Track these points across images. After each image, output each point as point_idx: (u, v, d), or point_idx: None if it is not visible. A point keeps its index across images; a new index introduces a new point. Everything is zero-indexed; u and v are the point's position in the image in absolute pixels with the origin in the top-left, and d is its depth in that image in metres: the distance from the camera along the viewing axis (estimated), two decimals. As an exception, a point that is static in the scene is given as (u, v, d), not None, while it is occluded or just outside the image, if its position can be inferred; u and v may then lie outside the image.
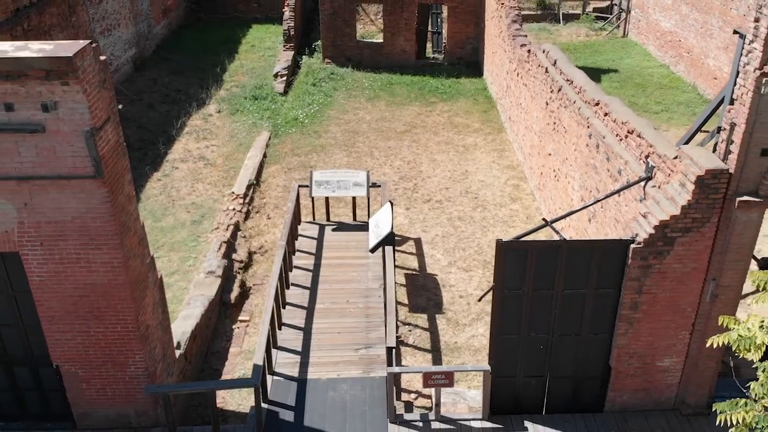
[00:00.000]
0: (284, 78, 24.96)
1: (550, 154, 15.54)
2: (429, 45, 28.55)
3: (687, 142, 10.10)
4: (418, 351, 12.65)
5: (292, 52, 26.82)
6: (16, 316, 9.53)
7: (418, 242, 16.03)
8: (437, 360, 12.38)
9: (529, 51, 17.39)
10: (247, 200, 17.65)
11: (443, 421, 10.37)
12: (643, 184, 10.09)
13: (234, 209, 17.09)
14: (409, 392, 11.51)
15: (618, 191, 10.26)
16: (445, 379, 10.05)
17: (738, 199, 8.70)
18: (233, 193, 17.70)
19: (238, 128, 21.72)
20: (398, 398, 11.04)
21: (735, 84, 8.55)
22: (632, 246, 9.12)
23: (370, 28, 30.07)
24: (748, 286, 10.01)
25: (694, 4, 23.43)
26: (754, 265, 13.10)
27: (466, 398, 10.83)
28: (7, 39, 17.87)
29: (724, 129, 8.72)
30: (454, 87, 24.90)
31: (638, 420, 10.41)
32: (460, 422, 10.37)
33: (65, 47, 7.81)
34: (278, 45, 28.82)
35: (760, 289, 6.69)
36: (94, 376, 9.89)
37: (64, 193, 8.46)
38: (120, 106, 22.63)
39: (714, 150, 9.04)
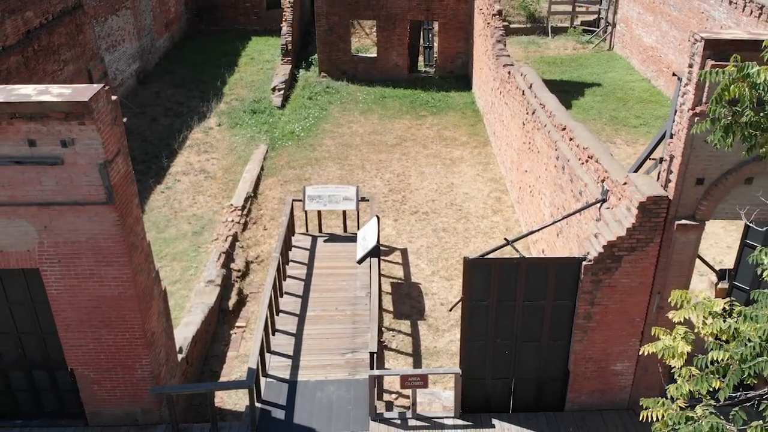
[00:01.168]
0: (282, 92, 26.08)
1: (526, 171, 16.66)
2: (421, 59, 29.65)
3: (637, 169, 11.21)
4: (400, 355, 13.77)
5: (290, 66, 27.92)
6: (35, 324, 10.66)
7: (404, 252, 17.14)
8: (417, 363, 13.50)
9: (509, 72, 18.50)
10: (245, 212, 18.77)
11: (419, 419, 11.49)
12: (599, 205, 11.21)
13: (232, 221, 18.21)
14: (391, 393, 12.64)
15: (576, 212, 11.38)
16: (420, 381, 11.18)
17: (677, 222, 9.82)
18: (232, 205, 18.81)
19: (237, 141, 22.86)
20: (380, 398, 12.15)
21: (673, 121, 9.67)
22: (584, 263, 10.24)
23: (365, 42, 31.18)
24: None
25: (673, 22, 24.53)
26: (714, 276, 14.22)
27: (441, 398, 11.96)
28: (19, 59, 19.05)
29: (665, 160, 9.84)
30: (444, 100, 26.02)
31: (595, 419, 11.52)
32: (435, 420, 11.50)
33: (81, 92, 8.93)
34: (276, 58, 29.93)
35: (678, 306, 7.78)
36: (104, 378, 11.02)
37: (79, 217, 9.59)
38: (124, 119, 23.80)
39: (657, 178, 10.16)
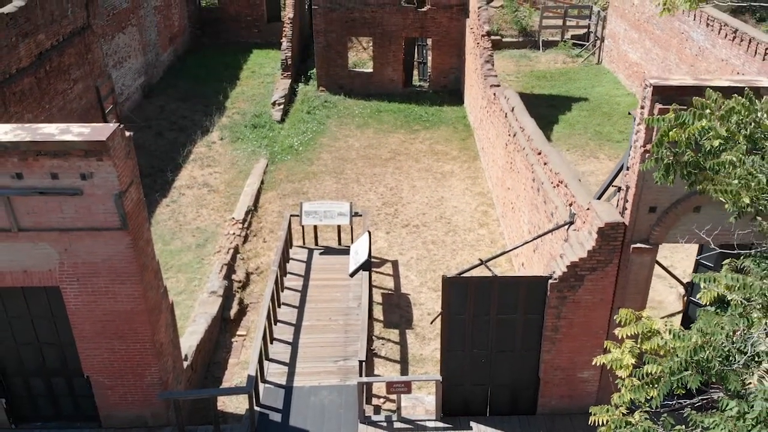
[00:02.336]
0: (281, 106, 27.19)
1: (509, 188, 17.77)
2: (416, 73, 30.74)
3: (600, 196, 12.29)
4: (389, 362, 14.88)
5: (289, 81, 29.02)
6: (55, 336, 11.79)
7: (395, 264, 18.24)
8: (405, 369, 14.61)
9: (494, 94, 19.60)
10: (245, 225, 19.88)
11: (404, 422, 12.60)
12: (567, 227, 12.31)
13: (234, 233, 19.32)
14: (379, 397, 13.75)
15: (546, 233, 12.49)
16: (404, 387, 12.30)
17: (633, 246, 10.92)
18: (233, 218, 19.93)
19: (239, 155, 23.97)
20: (368, 402, 13.25)
21: (629, 155, 10.76)
22: (550, 281, 11.34)
23: (362, 56, 32.27)
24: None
25: (656, 40, 25.62)
26: (682, 288, 15.32)
27: (424, 402, 13.06)
28: (32, 81, 20.17)
29: (622, 189, 10.94)
30: (437, 115, 27.11)
31: (564, 422, 12.62)
32: (418, 422, 12.61)
33: (99, 131, 10.05)
34: (276, 71, 30.99)
35: (623, 324, 8.86)
36: (117, 384, 12.14)
37: (96, 241, 10.71)
38: (131, 133, 24.98)
39: (616, 205, 11.25)
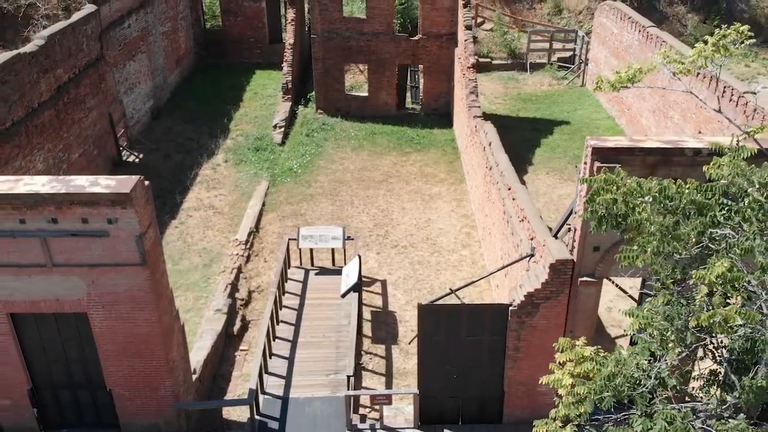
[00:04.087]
0: (282, 129, 28.98)
1: (486, 215, 19.53)
2: (409, 96, 32.53)
3: (556, 234, 14.03)
4: (375, 375, 16.66)
5: (290, 103, 30.80)
6: (81, 354, 13.59)
7: (384, 283, 20.01)
8: (389, 382, 16.38)
9: (476, 126, 21.37)
10: (248, 246, 21.66)
11: (386, 430, 14.39)
12: (528, 259, 14.08)
13: (237, 254, 21.11)
14: (365, 407, 15.52)
15: (510, 264, 14.26)
16: (385, 400, 14.09)
17: (580, 279, 12.68)
18: (237, 239, 21.72)
19: (242, 178, 25.77)
20: (356, 412, 15.03)
21: (576, 201, 12.52)
22: (511, 308, 13.10)
23: (359, 78, 34.03)
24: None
25: (631, 68, 27.31)
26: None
27: (404, 412, 14.84)
28: (52, 113, 21.99)
29: (572, 230, 12.70)
30: (428, 137, 28.88)
31: (527, 429, 14.29)
32: (398, 430, 14.40)
33: (124, 183, 11.82)
34: (278, 93, 32.69)
35: (561, 351, 10.60)
36: (135, 396, 13.93)
37: (119, 274, 12.49)
38: (141, 156, 26.82)
39: (567, 244, 13.01)
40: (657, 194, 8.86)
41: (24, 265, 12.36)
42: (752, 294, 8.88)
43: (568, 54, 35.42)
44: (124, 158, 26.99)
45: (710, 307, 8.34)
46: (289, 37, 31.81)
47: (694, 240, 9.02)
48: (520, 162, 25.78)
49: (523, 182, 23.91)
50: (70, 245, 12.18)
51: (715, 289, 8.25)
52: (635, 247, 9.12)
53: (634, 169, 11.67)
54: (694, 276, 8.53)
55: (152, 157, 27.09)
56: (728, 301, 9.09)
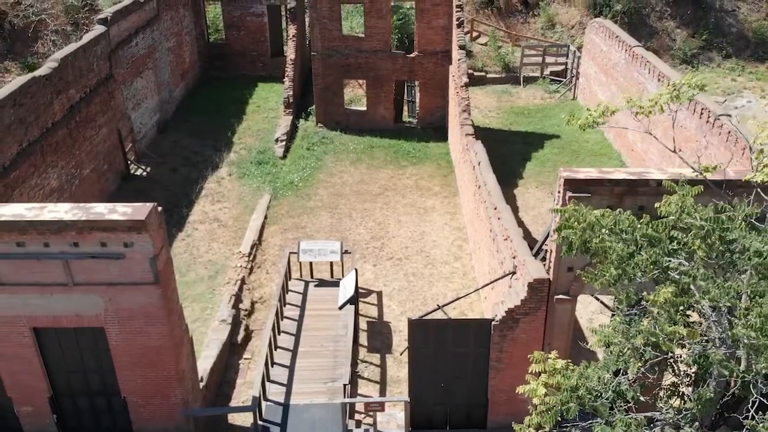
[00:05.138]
0: (283, 143, 30.14)
1: (476, 230, 20.68)
2: (406, 109, 33.69)
3: (536, 254, 15.18)
4: (370, 382, 17.82)
5: (291, 117, 31.97)
6: (98, 364, 14.77)
7: (379, 294, 21.17)
8: (384, 390, 17.54)
9: (467, 144, 22.52)
10: (251, 258, 22.83)
11: (379, 434, 15.57)
12: (510, 276, 15.23)
13: (241, 266, 22.28)
14: (361, 413, 16.68)
15: (493, 282, 15.41)
16: (379, 407, 15.25)
17: (556, 297, 13.83)
18: (240, 252, 22.89)
19: (245, 191, 26.94)
20: (351, 417, 16.19)
21: (552, 226, 13.66)
22: (493, 323, 14.26)
23: (358, 92, 35.17)
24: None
25: (619, 86, 28.49)
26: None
27: (396, 418, 16.00)
28: (65, 132, 23.16)
29: (548, 252, 13.86)
30: (423, 151, 30.02)
31: (509, 433, 15.50)
32: (390, 435, 15.57)
33: (139, 210, 12.98)
34: (279, 106, 33.81)
35: (536, 362, 11.72)
36: (148, 403, 15.11)
37: (134, 292, 13.67)
38: (149, 169, 28.01)
39: (545, 264, 14.16)
40: (612, 227, 10.01)
41: (47, 284, 13.53)
42: (704, 314, 10.06)
43: (560, 68, 36.53)
44: (132, 172, 28.18)
45: (656, 327, 9.50)
46: (290, 53, 32.95)
47: (650, 266, 10.19)
48: (511, 176, 27.00)
49: (513, 196, 25.28)
50: (89, 266, 13.34)
51: (660, 312, 9.40)
52: (595, 272, 10.25)
53: (603, 198, 12.86)
54: (644, 299, 9.72)
55: (159, 171, 28.26)
56: (689, 320, 10.27)
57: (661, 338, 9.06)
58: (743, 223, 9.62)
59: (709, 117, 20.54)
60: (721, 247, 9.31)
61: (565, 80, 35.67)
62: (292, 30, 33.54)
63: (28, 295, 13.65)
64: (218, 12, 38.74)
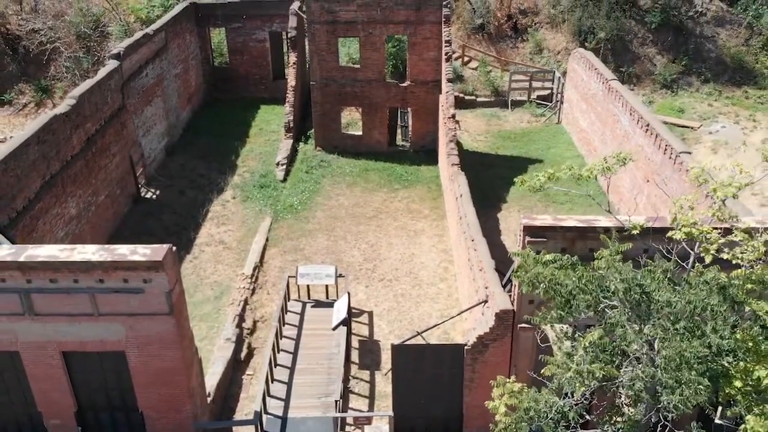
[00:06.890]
0: (284, 166, 32.14)
1: (459, 255, 22.67)
2: (399, 133, 35.71)
3: (505, 284, 17.15)
4: (361, 397, 19.81)
5: (291, 141, 33.98)
6: (119, 383, 16.79)
7: (371, 314, 23.16)
8: (372, 404, 19.53)
9: (452, 174, 24.50)
10: (253, 279, 24.83)
11: (366, 444, 17.57)
12: (483, 305, 17.22)
13: (244, 287, 24.28)
14: (352, 425, 18.68)
15: (468, 309, 17.40)
16: (366, 421, 17.26)
17: (519, 325, 15.82)
18: (243, 273, 24.89)
19: (248, 214, 28.94)
20: (342, 430, 18.18)
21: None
22: (465, 347, 16.25)
23: (355, 115, 37.16)
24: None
25: (597, 115, 30.46)
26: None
27: (382, 431, 17.99)
28: (83, 163, 25.18)
29: (513, 285, 15.85)
30: (415, 174, 32.01)
31: (482, 444, 17.50)
32: (377, 445, 17.57)
33: (157, 251, 14.99)
34: (280, 128, 35.76)
35: (497, 386, 13.67)
36: (162, 417, 17.11)
37: (152, 321, 15.68)
38: (158, 192, 30.08)
39: (510, 296, 16.14)
40: (551, 279, 12.01)
41: (75, 315, 15.55)
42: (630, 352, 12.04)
43: (546, 92, 38.46)
44: (143, 195, 30.21)
45: (586, 362, 11.49)
46: (290, 80, 34.95)
47: (585, 309, 12.17)
48: (495, 200, 28.99)
49: (497, 219, 27.23)
50: (113, 299, 15.35)
51: (587, 350, 11.39)
52: (540, 313, 12.26)
53: (558, 242, 14.84)
54: (577, 340, 11.72)
55: (168, 194, 30.27)
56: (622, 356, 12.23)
57: (584, 372, 11.02)
58: (661, 275, 11.60)
59: (671, 154, 22.49)
60: (639, 298, 11.29)
61: (550, 104, 37.63)
62: (292, 57, 35.53)
63: (59, 324, 15.67)
64: (222, 37, 40.75)
